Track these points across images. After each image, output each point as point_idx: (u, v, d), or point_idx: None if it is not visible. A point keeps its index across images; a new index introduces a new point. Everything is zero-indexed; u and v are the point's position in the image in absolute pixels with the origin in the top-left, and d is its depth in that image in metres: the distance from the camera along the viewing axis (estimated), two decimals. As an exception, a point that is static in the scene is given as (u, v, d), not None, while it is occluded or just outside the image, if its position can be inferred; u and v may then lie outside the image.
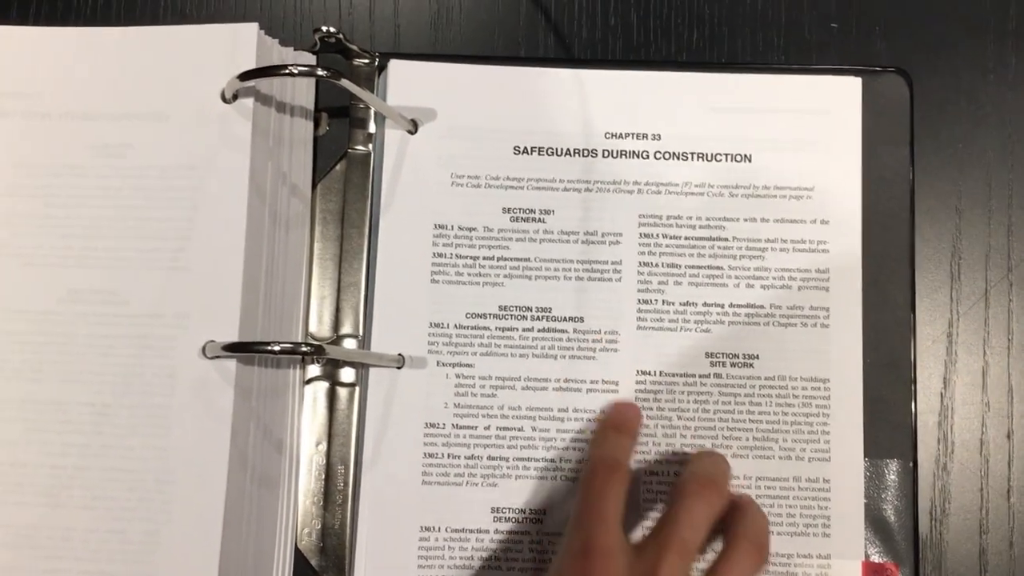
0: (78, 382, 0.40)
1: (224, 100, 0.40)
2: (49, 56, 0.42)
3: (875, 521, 0.41)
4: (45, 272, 0.40)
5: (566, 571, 0.35)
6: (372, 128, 0.43)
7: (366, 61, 0.44)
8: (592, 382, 0.42)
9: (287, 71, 0.38)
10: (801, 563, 0.40)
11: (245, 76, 0.39)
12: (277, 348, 0.38)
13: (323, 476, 0.41)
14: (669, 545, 0.35)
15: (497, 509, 0.41)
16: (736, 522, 0.37)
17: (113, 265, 0.40)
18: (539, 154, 0.43)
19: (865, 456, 0.41)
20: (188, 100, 0.41)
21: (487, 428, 0.42)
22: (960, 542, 0.41)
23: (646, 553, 0.35)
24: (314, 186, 0.43)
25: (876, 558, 0.40)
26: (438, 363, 0.42)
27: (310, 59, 0.43)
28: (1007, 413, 0.42)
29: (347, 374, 0.42)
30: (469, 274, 0.43)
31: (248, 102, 0.40)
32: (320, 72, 0.39)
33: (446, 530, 0.41)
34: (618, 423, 0.40)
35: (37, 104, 0.42)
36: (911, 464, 0.41)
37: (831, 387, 0.41)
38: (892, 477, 0.41)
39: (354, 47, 0.43)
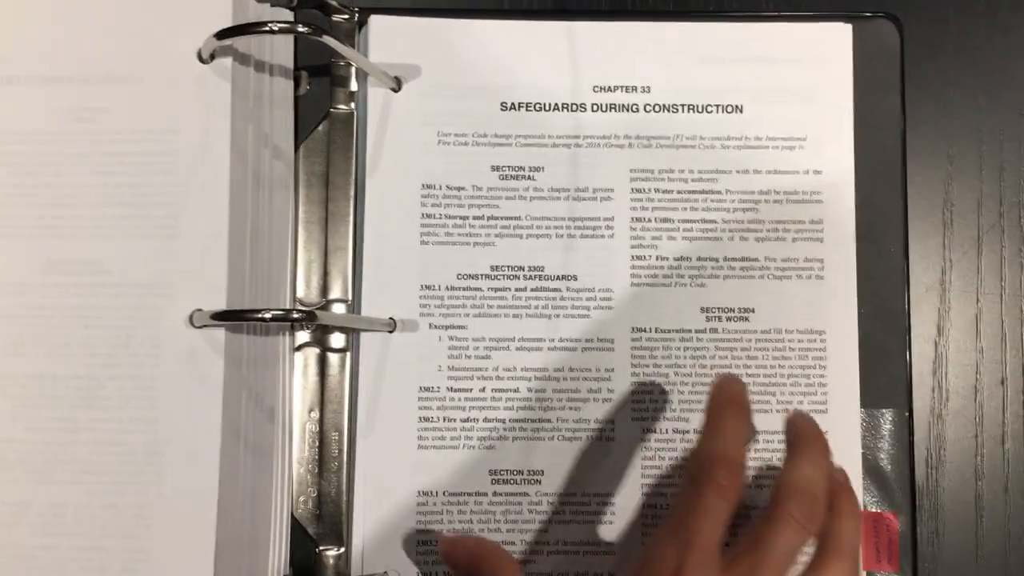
0: (62, 356, 0.38)
1: (201, 60, 0.39)
2: (15, 19, 0.40)
3: (872, 471, 0.41)
4: (18, 244, 0.39)
5: None
6: (354, 87, 0.42)
7: (346, 17, 0.42)
8: (587, 340, 0.41)
9: (266, 28, 0.37)
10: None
11: (222, 35, 0.37)
12: (268, 316, 0.37)
13: (317, 443, 0.41)
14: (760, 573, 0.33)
15: (494, 471, 0.41)
16: (829, 531, 0.35)
17: (92, 234, 0.39)
18: (527, 110, 0.43)
19: (861, 406, 0.41)
20: (163, 61, 0.39)
21: (482, 390, 0.41)
22: (956, 489, 0.42)
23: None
24: (297, 147, 0.42)
25: (874, 507, 0.41)
26: (430, 326, 0.41)
27: (288, 16, 0.42)
28: (1001, 359, 0.42)
29: (338, 339, 0.41)
30: (459, 234, 0.42)
31: (226, 62, 0.39)
32: (300, 28, 0.37)
33: (444, 494, 0.41)
34: (736, 400, 0.36)
35: (4, 68, 0.40)
36: (907, 413, 0.41)
37: (827, 338, 0.41)
38: (888, 426, 0.41)
39: (333, 2, 0.42)
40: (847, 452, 0.41)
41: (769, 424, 0.41)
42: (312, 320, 0.38)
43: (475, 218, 0.42)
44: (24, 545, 0.38)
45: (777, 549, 0.33)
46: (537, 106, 0.43)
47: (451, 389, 0.41)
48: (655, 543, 0.34)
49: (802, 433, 0.36)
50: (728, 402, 0.36)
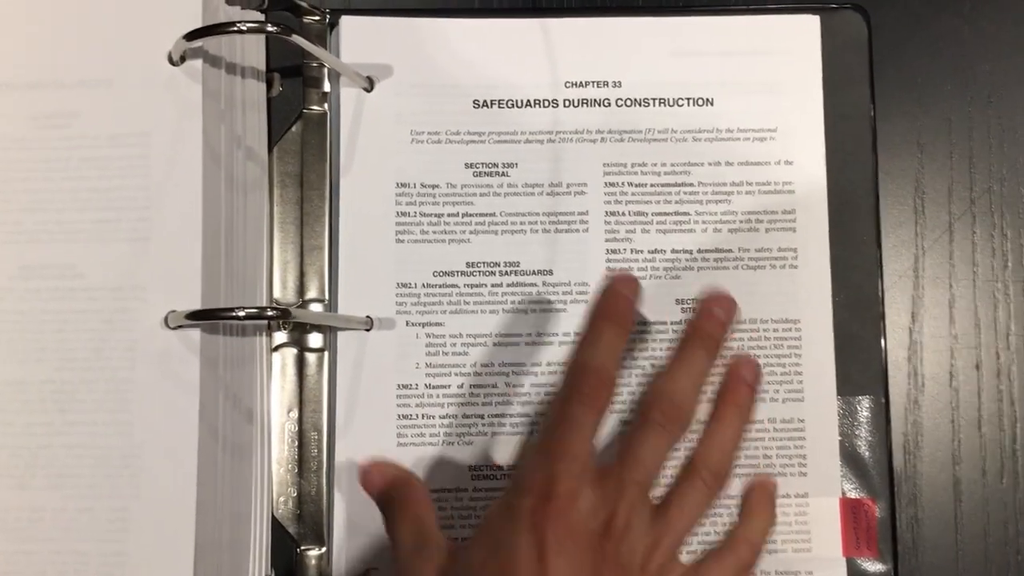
0: (37, 360, 0.38)
1: (171, 62, 0.39)
2: (-16, 25, 0.40)
3: (850, 458, 0.41)
4: (-7, 250, 0.39)
5: (521, 512, 0.32)
6: (327, 87, 0.42)
7: (316, 18, 0.42)
8: (564, 334, 0.41)
9: (235, 28, 0.37)
10: (780, 503, 0.40)
11: (191, 36, 0.37)
12: (242, 314, 0.37)
13: (296, 443, 0.41)
14: (629, 485, 0.34)
15: (474, 467, 0.41)
16: (741, 525, 0.37)
17: (66, 238, 0.39)
18: (499, 107, 0.43)
19: (838, 394, 0.41)
20: (134, 64, 0.39)
21: (460, 387, 0.41)
22: (934, 474, 0.42)
23: (606, 492, 0.34)
24: (270, 149, 0.42)
25: (853, 494, 0.41)
26: (407, 323, 0.41)
27: (258, 16, 0.42)
28: (975, 344, 0.42)
29: (315, 339, 0.41)
30: (434, 232, 0.42)
31: (196, 63, 0.39)
32: (270, 28, 0.38)
33: (424, 491, 0.40)
34: (618, 314, 0.36)
35: (-26, 76, 0.40)
36: (883, 400, 0.41)
37: (802, 328, 0.42)
38: (865, 414, 0.41)
39: (304, 3, 0.42)
40: (824, 440, 0.41)
41: (747, 414, 0.41)
42: (287, 318, 0.38)
43: (450, 215, 0.42)
44: (2, 551, 0.37)
45: (643, 453, 0.34)
46: (510, 103, 0.43)
47: (429, 386, 0.41)
48: (527, 457, 0.35)
49: (682, 343, 0.37)
50: (608, 315, 0.36)
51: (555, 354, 0.41)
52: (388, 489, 0.37)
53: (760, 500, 0.38)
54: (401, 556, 0.35)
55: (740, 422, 0.37)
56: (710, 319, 0.38)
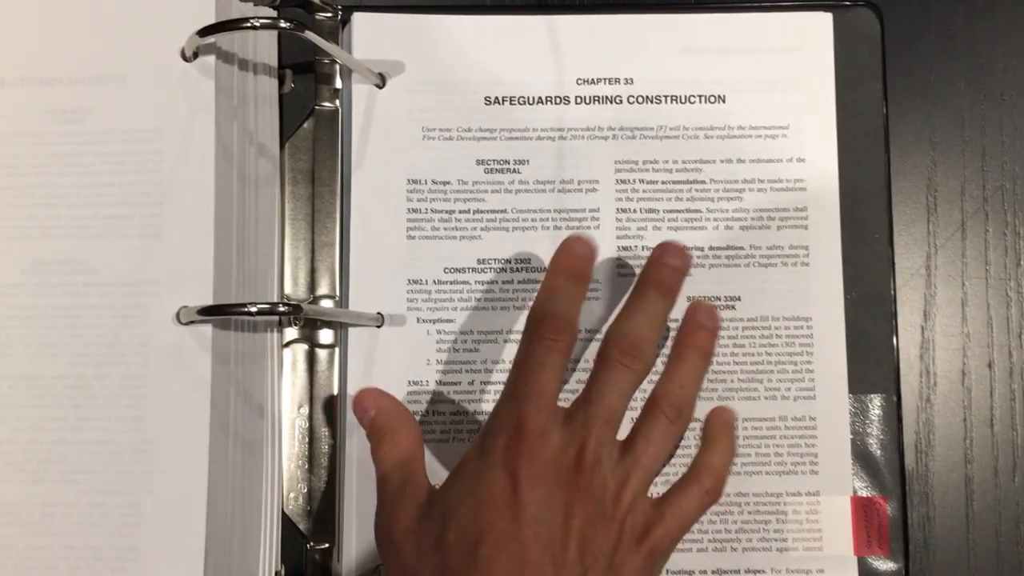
0: (50, 355, 0.39)
1: (184, 58, 0.39)
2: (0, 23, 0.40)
3: (862, 456, 0.41)
4: (7, 245, 0.39)
5: (495, 451, 0.34)
6: (339, 84, 0.42)
7: (329, 15, 0.42)
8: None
9: (248, 24, 0.37)
10: (791, 501, 0.41)
11: (204, 32, 0.38)
12: (254, 309, 0.37)
13: (307, 440, 0.41)
14: (595, 421, 0.34)
15: (485, 464, 0.41)
16: (701, 453, 0.37)
17: (81, 234, 0.39)
18: (511, 104, 0.43)
19: (849, 392, 0.41)
20: (147, 60, 0.39)
21: (471, 383, 0.41)
22: (946, 473, 0.42)
23: (574, 429, 0.34)
24: (282, 145, 0.42)
25: (864, 493, 0.41)
26: (418, 320, 0.41)
27: (271, 13, 0.42)
28: (987, 343, 0.42)
29: (326, 335, 0.41)
30: (445, 228, 0.42)
31: (209, 59, 0.39)
32: (283, 24, 0.38)
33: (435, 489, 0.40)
34: (572, 268, 0.37)
35: (-11, 72, 0.40)
36: (895, 398, 0.41)
37: (813, 325, 0.41)
38: (877, 412, 0.41)
39: (316, 0, 0.42)
40: (836, 438, 0.41)
41: (758, 412, 0.41)
42: (298, 313, 0.38)
43: (461, 212, 0.42)
44: (14, 545, 0.38)
45: (607, 391, 0.35)
46: (521, 100, 0.43)
47: (440, 383, 0.41)
48: (497, 405, 0.36)
49: (635, 288, 0.38)
50: (564, 269, 0.37)
51: (566, 351, 0.41)
52: (380, 416, 0.38)
53: (719, 429, 0.38)
54: (384, 489, 0.36)
55: (700, 361, 0.37)
56: (662, 267, 0.38)
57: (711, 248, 0.42)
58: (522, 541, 0.32)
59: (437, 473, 0.40)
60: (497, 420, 0.35)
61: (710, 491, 0.36)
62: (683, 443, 0.41)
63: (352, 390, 0.40)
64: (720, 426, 0.38)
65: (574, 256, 0.37)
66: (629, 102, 0.43)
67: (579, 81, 0.43)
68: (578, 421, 0.35)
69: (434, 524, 0.34)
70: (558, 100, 0.43)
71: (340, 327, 0.41)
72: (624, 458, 0.35)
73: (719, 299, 0.41)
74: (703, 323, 0.38)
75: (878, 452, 0.41)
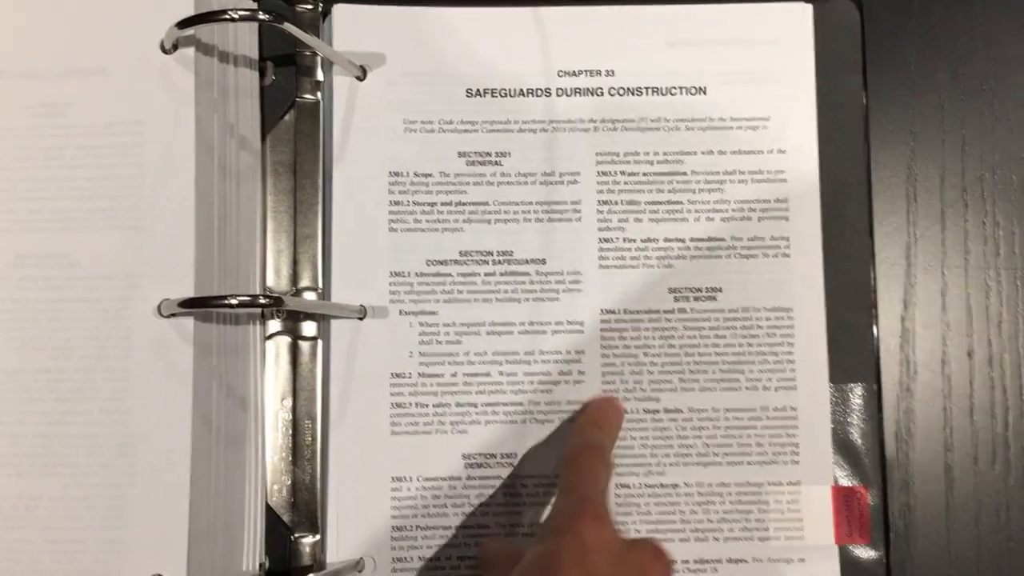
0: (32, 349, 0.39)
1: (164, 51, 0.39)
2: (-22, 15, 0.40)
3: (843, 446, 0.41)
4: (-11, 239, 0.39)
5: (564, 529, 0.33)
6: (320, 76, 0.42)
7: (309, 6, 0.42)
8: (557, 323, 0.41)
9: (228, 16, 0.37)
10: (772, 491, 0.41)
11: (184, 24, 0.37)
12: (235, 302, 0.37)
13: (290, 432, 0.41)
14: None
15: (468, 455, 0.41)
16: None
17: (62, 228, 0.39)
18: (492, 96, 0.43)
19: (830, 382, 0.41)
20: (127, 52, 0.39)
21: (454, 375, 0.41)
22: (926, 461, 0.42)
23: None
24: (263, 137, 0.42)
25: (845, 482, 0.41)
26: (401, 312, 0.41)
27: (251, 5, 0.42)
28: (967, 332, 0.42)
29: (308, 328, 0.41)
30: (427, 221, 0.42)
31: (189, 52, 0.39)
32: (262, 16, 0.38)
33: (418, 479, 0.41)
34: (597, 419, 0.40)
35: (-31, 66, 0.40)
36: (875, 387, 0.41)
37: (794, 316, 0.42)
38: (857, 401, 0.41)
39: (296, -8, 0.42)
40: (817, 428, 0.41)
41: (739, 402, 0.41)
42: (280, 305, 0.38)
43: (443, 204, 0.42)
44: (-2, 538, 0.38)
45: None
46: (503, 92, 0.43)
47: (422, 375, 0.41)
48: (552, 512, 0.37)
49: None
50: (592, 419, 0.40)
51: (548, 343, 0.41)
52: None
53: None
54: None
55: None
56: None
57: (692, 240, 0.42)
58: None
59: (415, 463, 0.40)
60: (557, 513, 0.36)
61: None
62: (681, 437, 0.41)
63: (335, 382, 0.41)
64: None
65: (601, 410, 0.40)
66: (610, 94, 0.43)
67: (560, 73, 0.43)
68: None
69: None
70: (540, 92, 0.43)
71: (322, 319, 0.41)
72: None
73: (700, 290, 0.42)
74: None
75: (859, 441, 0.41)
